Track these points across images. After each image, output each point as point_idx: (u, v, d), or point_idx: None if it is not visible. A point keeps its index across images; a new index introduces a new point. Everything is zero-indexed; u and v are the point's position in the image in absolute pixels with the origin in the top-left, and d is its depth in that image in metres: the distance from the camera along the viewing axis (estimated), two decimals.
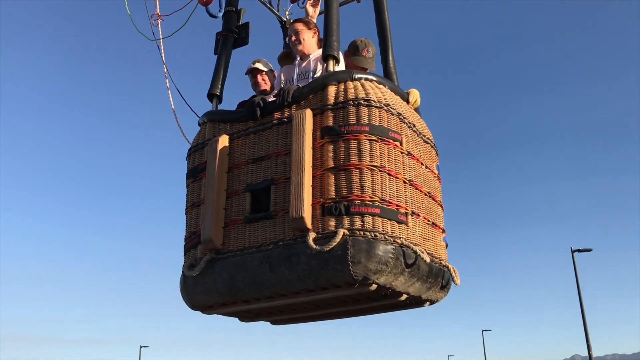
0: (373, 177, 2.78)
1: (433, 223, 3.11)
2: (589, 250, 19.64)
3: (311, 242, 2.66)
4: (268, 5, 4.15)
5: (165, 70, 3.91)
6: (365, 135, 2.84)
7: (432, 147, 3.37)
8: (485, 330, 36.11)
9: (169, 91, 3.90)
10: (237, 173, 3.12)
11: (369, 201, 2.73)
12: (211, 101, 3.44)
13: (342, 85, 2.98)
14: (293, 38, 3.46)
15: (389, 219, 2.75)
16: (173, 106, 3.89)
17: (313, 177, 2.84)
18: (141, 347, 32.89)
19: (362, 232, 2.66)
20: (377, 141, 2.84)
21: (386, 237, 2.69)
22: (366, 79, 3.03)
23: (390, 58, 3.64)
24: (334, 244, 2.62)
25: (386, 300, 3.03)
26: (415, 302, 3.17)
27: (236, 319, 3.47)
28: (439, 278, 3.07)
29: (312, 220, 2.76)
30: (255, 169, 3.06)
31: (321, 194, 2.79)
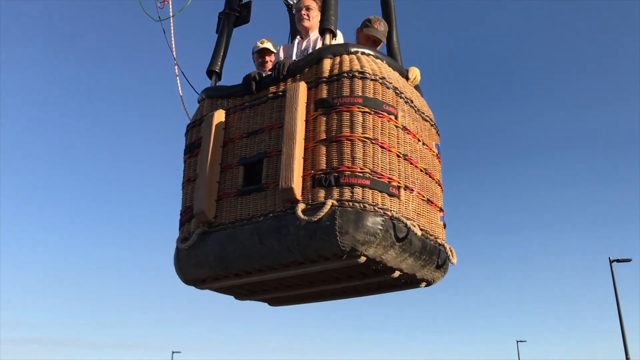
0: (365, 149, 2.73)
1: (429, 200, 3.04)
2: (629, 260, 19.03)
3: (300, 213, 2.62)
4: None
5: (173, 55, 3.93)
6: (358, 107, 2.79)
7: (431, 125, 3.30)
8: (520, 342, 35.25)
9: (177, 77, 3.91)
10: (232, 147, 3.10)
11: (359, 172, 2.68)
12: (210, 78, 3.44)
13: (337, 59, 2.94)
14: (303, 12, 3.44)
15: (380, 191, 2.69)
16: (181, 93, 3.89)
17: (305, 149, 2.80)
18: (173, 352, 33.17)
19: (351, 203, 2.61)
20: (370, 113, 2.79)
21: (376, 208, 2.63)
22: (362, 53, 2.98)
23: (395, 39, 3.60)
24: (322, 214, 2.58)
25: (379, 277, 2.96)
26: (410, 281, 3.10)
27: (232, 297, 3.45)
28: (434, 256, 2.98)
29: (302, 192, 2.72)
30: (250, 142, 3.04)
31: (312, 165, 2.75)
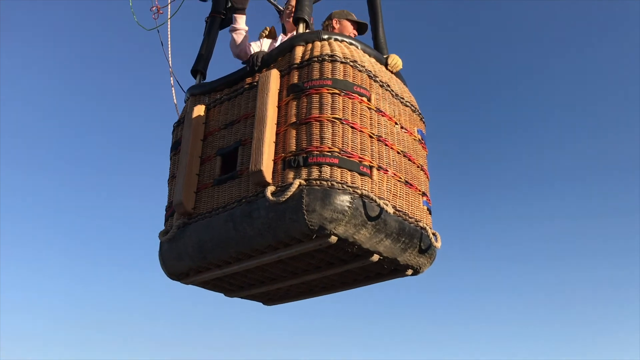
0: (334, 129, 2.71)
1: (407, 182, 2.97)
2: None
3: (269, 195, 2.61)
4: None
5: (169, 64, 4.04)
6: (327, 89, 2.78)
7: (413, 111, 3.26)
8: None
9: (172, 87, 3.99)
10: (212, 140, 3.14)
11: (327, 152, 2.66)
12: (195, 77, 3.51)
13: (309, 45, 2.96)
14: (291, 8, 3.52)
15: (349, 170, 2.66)
16: (175, 101, 3.97)
17: (277, 134, 2.81)
18: None
19: (318, 182, 2.59)
20: (339, 95, 2.78)
21: (344, 186, 2.59)
22: (335, 39, 2.99)
23: (381, 33, 3.61)
24: (289, 194, 2.56)
25: (359, 262, 2.90)
26: (395, 268, 3.03)
27: (221, 294, 3.43)
28: (415, 239, 2.91)
29: (273, 176, 2.72)
30: (227, 133, 3.07)
31: (283, 149, 2.75)
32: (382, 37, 3.60)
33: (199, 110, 3.21)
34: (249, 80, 3.10)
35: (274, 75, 2.91)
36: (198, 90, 3.37)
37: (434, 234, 3.01)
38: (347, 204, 2.56)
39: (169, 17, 4.00)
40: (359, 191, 2.62)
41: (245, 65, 3.18)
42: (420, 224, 2.96)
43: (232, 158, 2.97)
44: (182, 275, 3.14)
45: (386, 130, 2.94)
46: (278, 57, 3.03)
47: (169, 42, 4.15)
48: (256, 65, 3.08)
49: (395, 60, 3.29)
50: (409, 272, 3.09)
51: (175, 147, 3.34)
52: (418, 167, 3.13)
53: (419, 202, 3.05)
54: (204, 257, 2.95)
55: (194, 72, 3.52)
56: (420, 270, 3.10)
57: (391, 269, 3.07)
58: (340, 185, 2.59)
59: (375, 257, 2.84)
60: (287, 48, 3.01)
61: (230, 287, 3.32)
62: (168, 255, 3.09)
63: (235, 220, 2.77)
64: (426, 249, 3.01)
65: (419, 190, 3.08)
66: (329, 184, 2.58)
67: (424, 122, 3.36)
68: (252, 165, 2.70)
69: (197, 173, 3.09)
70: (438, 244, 3.01)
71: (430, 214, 3.15)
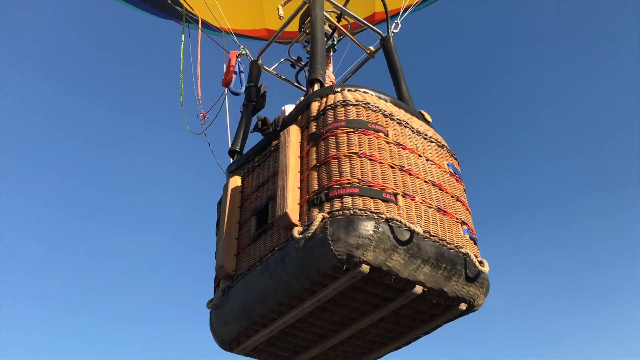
0: (352, 163, 2.75)
1: (439, 208, 2.89)
2: None
3: (296, 234, 2.63)
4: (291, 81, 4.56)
5: (216, 159, 4.32)
6: (342, 129, 2.87)
7: (439, 146, 3.25)
8: None
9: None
10: (247, 204, 3.24)
11: (346, 183, 2.68)
12: (232, 157, 3.72)
13: (324, 99, 3.10)
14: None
15: (371, 197, 2.65)
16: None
17: (301, 180, 2.88)
18: None
19: (341, 212, 2.59)
20: (354, 132, 2.86)
21: (367, 212, 2.57)
22: (348, 90, 3.12)
23: (404, 87, 3.75)
24: (314, 227, 2.57)
25: (403, 297, 2.76)
26: (446, 301, 2.85)
27: None
28: (458, 265, 2.77)
29: (300, 218, 2.74)
30: (259, 195, 3.17)
31: (307, 191, 2.80)
32: (405, 92, 3.72)
33: (235, 181, 3.36)
34: (274, 143, 3.25)
35: (294, 129, 3.05)
36: (234, 167, 3.54)
37: (479, 261, 2.86)
38: (372, 228, 2.52)
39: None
40: (383, 216, 2.59)
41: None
42: (462, 250, 2.83)
43: (265, 214, 3.04)
44: (233, 342, 3.11)
45: (409, 162, 2.93)
46: (297, 116, 3.18)
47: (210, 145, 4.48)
48: (277, 127, 3.25)
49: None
50: (463, 306, 2.90)
51: (218, 223, 3.46)
52: (452, 197, 3.05)
53: (458, 229, 2.94)
54: (247, 315, 2.92)
55: (232, 153, 3.74)
56: (475, 302, 2.90)
57: (443, 305, 2.90)
58: (362, 211, 2.57)
59: (419, 289, 2.70)
60: (305, 106, 3.16)
61: (285, 352, 3.22)
62: (216, 322, 3.09)
63: (270, 269, 2.77)
64: (474, 277, 2.84)
65: (457, 219, 2.97)
66: (351, 212, 2.57)
67: (455, 158, 3.33)
68: (279, 210, 2.76)
69: (236, 237, 3.16)
70: (485, 268, 2.84)
71: (475, 244, 3.01)
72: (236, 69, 4.12)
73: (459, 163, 3.35)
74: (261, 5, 6.03)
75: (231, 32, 5.09)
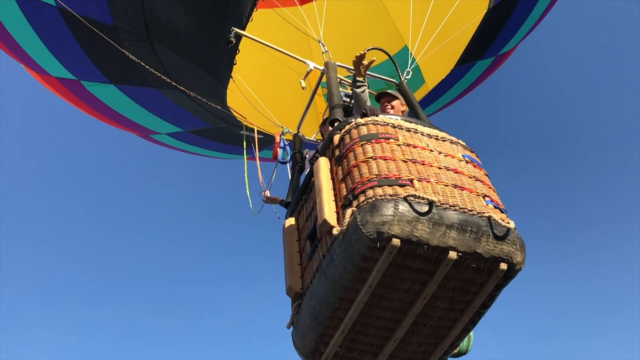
0: (369, 165, 3.24)
1: (455, 185, 3.26)
2: None
3: (335, 232, 3.10)
4: None
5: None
6: (357, 145, 3.40)
7: (452, 143, 3.66)
8: None
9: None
10: (302, 235, 3.75)
11: (367, 180, 3.16)
12: (286, 208, 4.28)
13: (342, 130, 3.67)
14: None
15: (389, 185, 3.10)
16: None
17: (335, 195, 3.38)
18: None
19: (365, 202, 3.05)
20: (368, 143, 3.37)
21: (386, 197, 3.02)
22: (366, 121, 3.68)
23: (421, 115, 4.27)
24: (347, 220, 3.04)
25: (443, 267, 3.07)
26: (485, 264, 3.12)
27: None
28: (484, 227, 3.08)
29: (338, 222, 3.21)
30: (309, 223, 3.68)
31: (340, 199, 3.29)
32: (424, 118, 4.23)
33: (289, 221, 3.91)
34: (312, 179, 3.81)
35: (322, 159, 3.61)
36: (289, 212, 4.10)
37: (504, 220, 3.15)
38: (392, 206, 2.96)
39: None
40: (401, 195, 3.02)
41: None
42: (486, 214, 3.15)
43: (314, 233, 3.53)
44: (315, 353, 3.46)
45: (421, 155, 3.38)
46: (325, 151, 3.76)
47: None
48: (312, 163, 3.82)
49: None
50: (503, 265, 3.14)
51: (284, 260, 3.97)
52: (470, 177, 3.41)
53: (480, 200, 3.27)
54: (318, 322, 3.32)
55: (286, 205, 4.32)
56: (513, 259, 3.15)
57: (485, 270, 3.17)
58: (382, 197, 3.02)
59: (453, 254, 3.03)
60: (329, 140, 3.74)
61: (365, 356, 3.52)
62: (296, 339, 3.49)
63: (325, 272, 3.21)
64: (504, 235, 3.12)
65: (477, 193, 3.31)
66: (373, 199, 3.03)
67: (472, 151, 3.71)
68: (319, 220, 3.25)
69: (298, 263, 3.65)
70: (511, 224, 3.13)
71: (501, 212, 3.30)
72: (281, 144, 4.86)
73: (477, 156, 3.73)
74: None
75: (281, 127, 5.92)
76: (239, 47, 5.65)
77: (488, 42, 7.75)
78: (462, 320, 3.42)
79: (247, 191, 5.61)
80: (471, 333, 3.91)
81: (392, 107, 4.48)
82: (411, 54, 5.55)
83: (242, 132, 7.30)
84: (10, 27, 6.83)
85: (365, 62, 4.47)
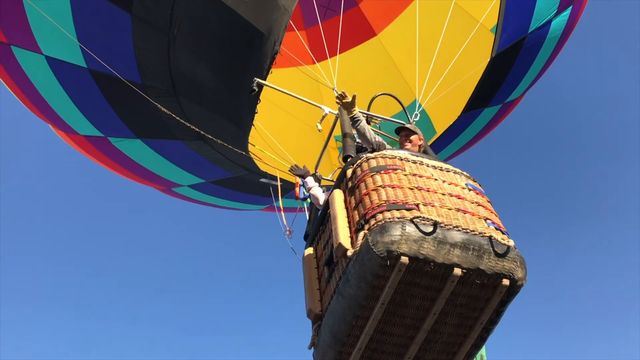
0: (378, 193, 3.58)
1: (458, 209, 3.57)
2: None
3: (349, 254, 3.42)
4: None
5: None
6: (367, 175, 3.75)
7: (456, 173, 3.99)
8: None
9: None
10: (321, 262, 4.05)
11: (377, 206, 3.49)
12: (306, 240, 4.60)
13: (355, 164, 4.03)
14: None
15: (397, 209, 3.42)
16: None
17: (349, 222, 3.71)
18: None
19: (375, 225, 3.37)
20: (377, 174, 3.72)
21: (395, 219, 3.34)
22: (376, 155, 4.04)
23: (430, 152, 4.64)
24: (359, 242, 3.36)
25: (449, 283, 3.35)
26: (488, 280, 3.39)
27: None
28: (485, 245, 3.37)
29: (352, 245, 3.53)
30: (326, 251, 3.99)
31: (354, 225, 3.62)
32: (430, 153, 4.58)
33: (308, 251, 4.24)
34: (329, 211, 4.14)
35: (336, 191, 3.96)
36: (308, 242, 4.42)
37: (504, 239, 3.44)
38: (400, 227, 3.27)
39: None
40: (408, 217, 3.34)
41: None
42: (487, 234, 3.44)
43: (332, 258, 3.83)
44: None
45: (425, 183, 3.71)
46: (339, 184, 4.11)
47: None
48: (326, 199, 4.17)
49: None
50: (505, 281, 3.41)
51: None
52: (473, 203, 3.73)
53: (482, 223, 3.57)
54: (337, 339, 3.58)
55: (305, 236, 4.64)
56: (515, 275, 3.41)
57: (489, 286, 3.44)
58: (391, 219, 3.35)
59: (458, 271, 3.31)
60: (342, 174, 4.09)
61: None
62: (317, 358, 3.74)
63: (341, 292, 3.50)
64: (504, 253, 3.40)
65: (479, 216, 3.62)
66: (383, 222, 3.35)
67: (474, 180, 4.03)
68: (335, 244, 3.57)
69: (317, 288, 3.94)
70: (510, 242, 3.41)
71: (502, 233, 3.59)
72: (301, 183, 5.24)
73: (480, 185, 4.05)
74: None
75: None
76: (260, 97, 6.12)
77: (493, 90, 8.17)
78: (471, 336, 3.66)
79: (284, 228, 5.98)
80: (484, 352, 4.11)
81: (410, 141, 4.80)
82: (418, 99, 5.97)
83: (262, 180, 7.70)
84: (41, 88, 7.34)
85: (348, 99, 4.92)
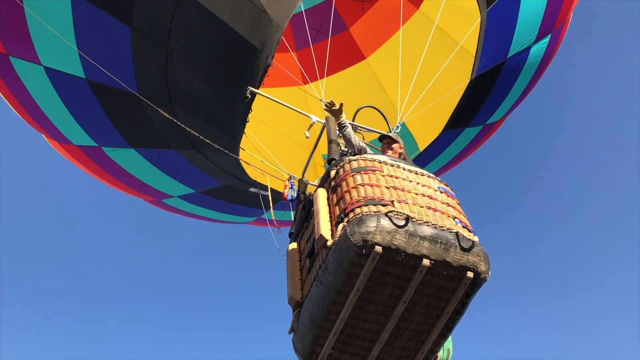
0: (358, 190, 3.93)
1: (429, 207, 3.92)
2: None
3: (329, 244, 3.75)
4: None
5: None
6: (348, 175, 4.10)
7: (429, 177, 4.35)
8: None
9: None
10: (303, 255, 4.38)
11: (356, 201, 3.83)
12: (290, 237, 4.92)
13: (338, 166, 4.38)
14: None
15: (374, 205, 3.77)
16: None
17: (330, 217, 4.05)
18: None
19: (353, 217, 3.71)
20: (357, 174, 4.07)
21: (371, 212, 3.68)
22: (357, 157, 4.40)
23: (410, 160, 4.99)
24: (339, 232, 3.69)
25: (418, 273, 3.67)
26: (454, 272, 3.71)
27: None
28: (452, 240, 3.71)
29: (332, 237, 3.86)
30: (309, 245, 4.32)
31: (334, 218, 3.95)
32: (408, 160, 4.94)
33: (292, 245, 4.56)
34: (313, 209, 4.47)
35: (320, 189, 4.31)
36: (292, 240, 4.74)
37: (468, 235, 3.78)
38: (375, 220, 3.61)
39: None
40: (383, 211, 3.68)
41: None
42: (454, 230, 3.79)
43: (313, 251, 4.16)
44: (312, 355, 4.00)
45: (401, 184, 4.07)
46: (323, 183, 4.45)
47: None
48: (309, 199, 4.50)
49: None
50: (469, 274, 3.74)
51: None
52: (443, 203, 4.08)
53: (450, 221, 3.92)
54: (315, 323, 3.89)
55: (290, 235, 4.96)
56: (478, 269, 3.75)
57: (454, 277, 3.76)
58: (367, 213, 3.69)
59: (426, 262, 3.64)
60: (327, 174, 4.44)
61: (354, 358, 4.05)
62: (296, 342, 4.04)
63: (320, 279, 3.82)
64: (469, 247, 3.75)
65: (448, 215, 3.97)
66: (361, 215, 3.69)
67: (446, 185, 4.39)
68: (316, 235, 3.90)
69: (299, 278, 4.25)
70: (475, 238, 3.75)
71: (469, 231, 3.93)
72: (289, 186, 5.59)
73: (451, 189, 4.41)
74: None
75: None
76: (252, 107, 6.49)
77: (474, 111, 8.59)
78: (438, 325, 3.97)
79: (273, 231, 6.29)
80: (450, 346, 4.42)
81: (392, 149, 5.19)
82: (399, 113, 6.37)
83: (251, 189, 8.04)
84: (38, 98, 7.54)
85: (336, 106, 5.32)
